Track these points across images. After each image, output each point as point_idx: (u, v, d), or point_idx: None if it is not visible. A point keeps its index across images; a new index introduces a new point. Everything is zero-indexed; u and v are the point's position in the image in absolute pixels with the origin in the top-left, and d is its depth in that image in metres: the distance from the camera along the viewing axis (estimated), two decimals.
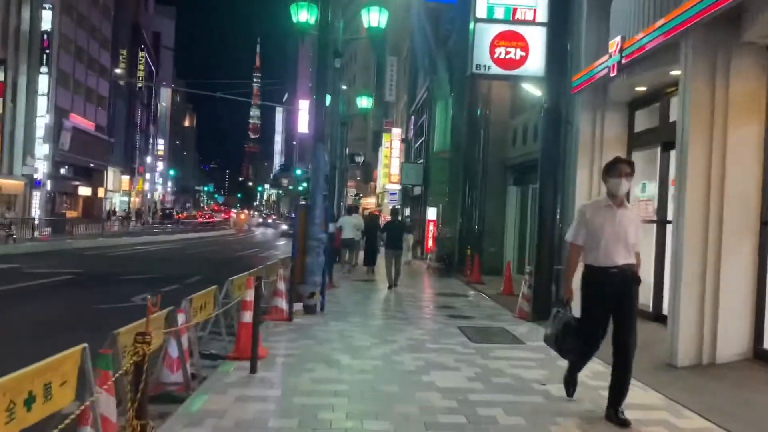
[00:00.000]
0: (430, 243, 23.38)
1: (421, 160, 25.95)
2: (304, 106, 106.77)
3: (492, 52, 9.32)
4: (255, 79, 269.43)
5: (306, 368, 6.03)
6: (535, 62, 9.41)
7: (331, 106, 12.32)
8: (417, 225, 22.13)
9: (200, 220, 69.15)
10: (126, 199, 74.83)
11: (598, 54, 8.67)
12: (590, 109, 9.02)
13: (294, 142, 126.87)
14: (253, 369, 5.75)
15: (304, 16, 12.58)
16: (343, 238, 16.20)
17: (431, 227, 23.36)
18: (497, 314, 10.17)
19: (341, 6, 12.74)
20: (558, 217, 9.60)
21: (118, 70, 56.46)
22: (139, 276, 14.95)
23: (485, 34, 9.34)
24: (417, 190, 27.97)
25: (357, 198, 53.17)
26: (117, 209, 68.65)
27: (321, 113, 9.96)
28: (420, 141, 28.18)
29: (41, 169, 44.29)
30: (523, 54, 9.32)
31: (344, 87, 56.09)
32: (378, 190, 46.45)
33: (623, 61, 7.45)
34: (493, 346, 7.43)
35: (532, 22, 9.46)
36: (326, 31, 10.97)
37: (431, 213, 23.50)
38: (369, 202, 49.44)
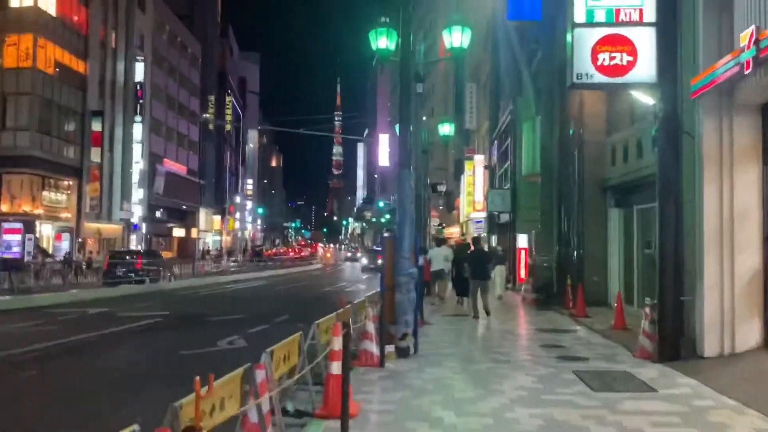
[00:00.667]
0: (523, 273, 22.12)
1: (508, 186, 24.83)
2: (383, 140, 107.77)
3: (594, 59, 8.33)
4: (336, 117, 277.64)
5: (405, 429, 5.20)
6: (645, 67, 8.32)
7: (414, 133, 11.64)
8: (507, 255, 20.82)
9: (292, 254, 70.26)
10: (218, 238, 77.31)
11: (721, 52, 7.54)
12: (714, 115, 7.84)
13: (375, 175, 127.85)
14: (344, 431, 4.99)
15: (383, 42, 12.05)
16: (432, 271, 15.87)
17: (523, 256, 22.12)
18: (614, 354, 8.95)
19: (421, 29, 12.01)
20: (681, 240, 8.38)
21: (206, 115, 58.55)
22: (226, 317, 14.67)
23: (585, 40, 8.38)
24: (504, 217, 26.77)
25: (440, 228, 52.20)
26: (210, 248, 70.91)
27: (405, 139, 9.26)
28: (505, 166, 27.08)
29: (137, 212, 46.28)
30: (630, 59, 8.28)
31: (423, 118, 55.85)
32: (462, 219, 45.34)
33: (760, 55, 6.31)
34: (620, 396, 6.33)
35: (639, 23, 8.41)
36: (407, 56, 10.37)
37: (522, 241, 22.27)
38: (452, 232, 48.33)
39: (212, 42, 73.68)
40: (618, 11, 8.42)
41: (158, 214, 54.75)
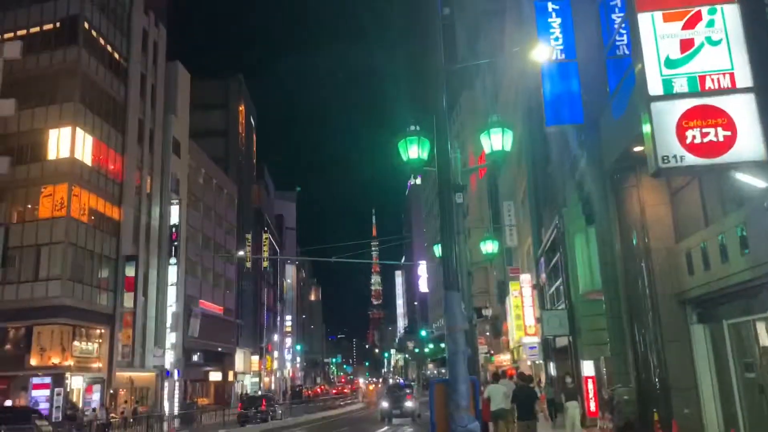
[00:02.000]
0: (593, 406, 19.28)
1: (562, 306, 22.55)
2: (422, 266, 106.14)
3: (682, 138, 6.71)
4: (373, 247, 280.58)
5: None
6: (748, 141, 6.66)
7: (458, 248, 9.93)
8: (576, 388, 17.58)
9: (335, 392, 66.79)
10: (256, 380, 74.38)
11: None
12: None
13: (415, 303, 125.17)
14: None
15: (414, 152, 10.74)
16: (492, 411, 14.49)
17: (591, 386, 19.38)
18: None
19: (457, 138, 10.64)
20: None
21: (241, 252, 58.27)
22: None
23: (667, 115, 6.81)
24: (562, 341, 24.19)
25: (489, 356, 48.88)
26: (249, 391, 67.92)
27: (449, 255, 7.50)
28: (556, 284, 24.94)
29: (169, 358, 44.52)
30: (728, 133, 6.65)
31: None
32: (512, 345, 42.28)
33: None
34: None
35: (732, 90, 6.87)
36: (445, 164, 8.91)
37: (587, 368, 19.64)
38: (502, 360, 45.07)
39: (248, 182, 75.43)
40: (703, 78, 6.90)
41: (194, 358, 52.90)
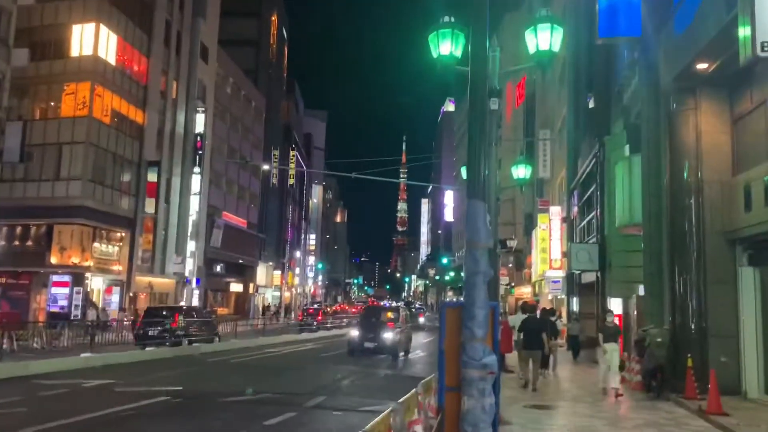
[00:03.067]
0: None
1: (594, 240, 21.29)
2: (448, 196, 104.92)
3: None
4: (402, 174, 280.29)
5: None
6: None
7: (488, 159, 8.64)
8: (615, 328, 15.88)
9: (354, 311, 67.11)
10: (278, 293, 75.38)
11: None
12: None
13: (439, 231, 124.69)
14: None
15: (446, 48, 9.31)
16: (515, 340, 14.18)
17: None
18: None
19: (496, 31, 9.10)
20: None
21: (266, 166, 57.54)
22: (246, 397, 11.73)
23: None
24: (588, 277, 23.10)
25: (509, 287, 48.24)
26: (270, 304, 68.89)
27: (477, 163, 6.21)
28: (588, 218, 23.59)
29: (189, 266, 44.69)
30: None
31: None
32: (534, 278, 41.43)
33: None
34: None
35: None
36: (478, 59, 7.52)
37: (615, 306, 18.58)
38: (523, 292, 44.37)
39: (277, 97, 73.80)
40: None
41: (217, 268, 53.23)
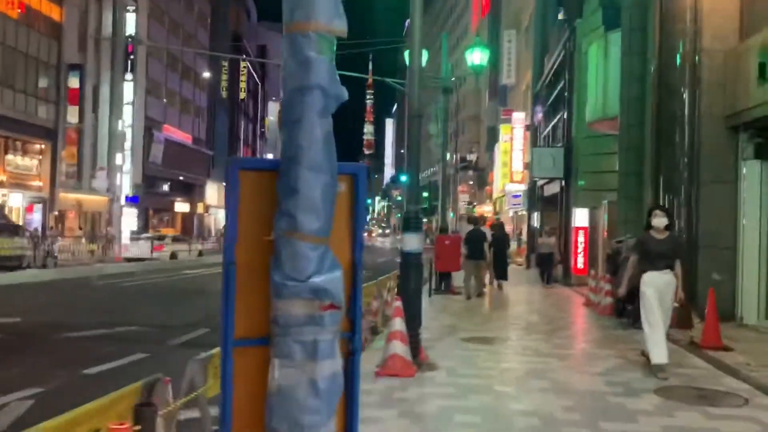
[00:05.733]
0: (581, 262, 16.00)
1: (561, 144, 18.61)
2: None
3: None
4: (368, 96, 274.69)
5: None
6: None
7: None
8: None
9: None
10: None
11: None
12: None
13: (402, 151, 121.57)
14: None
15: None
16: (465, 253, 13.64)
17: (582, 238, 15.97)
18: None
19: None
20: None
21: (205, 74, 53.10)
22: (104, 330, 8.93)
23: None
24: (551, 189, 20.60)
25: (470, 207, 46.04)
26: (222, 226, 65.92)
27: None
28: (555, 120, 20.82)
29: (126, 184, 41.10)
30: None
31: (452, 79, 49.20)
32: (495, 195, 39.15)
33: None
34: None
35: None
36: None
37: (580, 217, 16.14)
38: (484, 210, 42.13)
39: (225, 2, 67.96)
40: None
41: (162, 186, 49.66)
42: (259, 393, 2.37)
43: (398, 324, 5.91)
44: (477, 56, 14.49)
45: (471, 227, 14.87)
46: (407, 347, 5.90)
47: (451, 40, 54.79)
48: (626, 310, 9.53)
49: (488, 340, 7.98)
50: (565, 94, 18.40)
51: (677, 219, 9.57)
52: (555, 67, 20.20)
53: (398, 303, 6.04)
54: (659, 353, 6.16)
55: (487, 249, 13.45)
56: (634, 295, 9.13)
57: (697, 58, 9.68)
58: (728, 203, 9.48)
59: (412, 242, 6.16)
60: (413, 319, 6.15)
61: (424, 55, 14.41)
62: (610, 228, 12.97)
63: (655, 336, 6.24)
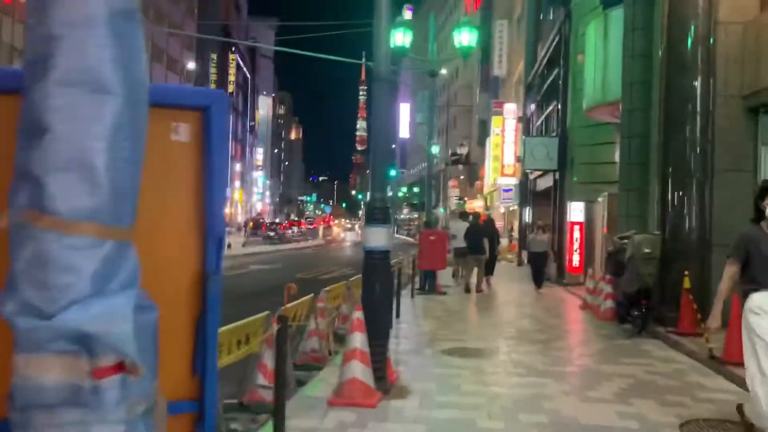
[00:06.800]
0: (576, 260, 14.90)
1: (555, 134, 17.47)
2: (404, 109, 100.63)
3: None
4: (361, 92, 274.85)
5: None
6: None
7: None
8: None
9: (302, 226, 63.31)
10: None
11: None
12: None
13: (393, 146, 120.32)
14: None
15: None
16: (456, 248, 14.12)
17: (577, 234, 14.86)
18: None
19: None
20: None
21: (190, 65, 51.72)
22: None
23: None
24: (544, 183, 19.50)
25: (460, 202, 44.91)
26: None
27: None
28: (548, 110, 19.68)
29: None
30: None
31: (444, 72, 47.91)
32: (486, 191, 38.03)
33: None
34: None
35: None
36: None
37: (576, 212, 15.03)
38: (474, 206, 41.01)
39: None
40: None
41: None
42: None
43: (358, 340, 4.75)
44: (465, 37, 13.29)
45: (461, 222, 14.79)
46: (369, 368, 4.74)
47: (440, 37, 53.56)
48: (630, 315, 8.40)
49: (473, 353, 6.82)
50: (560, 81, 17.28)
51: (687, 214, 8.47)
52: (549, 53, 19.07)
53: (358, 313, 4.86)
54: None
55: (487, 245, 13.39)
56: (640, 297, 8.03)
57: (712, 31, 8.56)
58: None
59: (377, 237, 4.97)
60: (379, 333, 4.98)
61: (409, 36, 13.22)
62: (610, 223, 11.84)
63: None
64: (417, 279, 13.17)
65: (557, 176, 16.97)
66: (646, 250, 7.88)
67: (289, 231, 53.30)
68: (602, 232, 12.87)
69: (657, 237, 8.32)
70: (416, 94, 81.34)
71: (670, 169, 8.94)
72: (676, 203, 8.65)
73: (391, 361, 5.52)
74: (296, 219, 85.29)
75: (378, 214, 4.98)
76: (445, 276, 14.17)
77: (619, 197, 10.58)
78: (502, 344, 7.53)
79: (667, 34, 9.38)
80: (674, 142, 9.02)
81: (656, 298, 8.34)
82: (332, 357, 6.31)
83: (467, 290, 13.00)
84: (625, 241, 8.51)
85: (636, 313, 8.05)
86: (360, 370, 4.67)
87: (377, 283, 4.97)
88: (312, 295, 6.34)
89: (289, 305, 5.54)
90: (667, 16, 9.31)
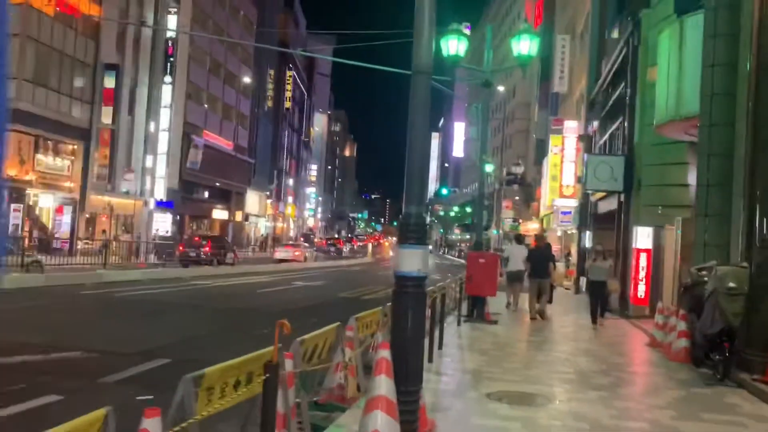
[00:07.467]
0: (642, 290, 13.62)
1: (620, 153, 16.26)
2: (459, 128, 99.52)
3: None
4: None
5: None
6: None
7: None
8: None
9: (340, 246, 62.58)
10: (271, 224, 71.10)
11: None
12: None
13: (446, 165, 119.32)
14: None
15: None
16: (509, 272, 13.85)
17: (644, 262, 13.60)
18: None
19: None
20: None
21: (246, 79, 52.18)
22: (38, 355, 7.17)
23: None
24: (607, 206, 18.24)
25: (515, 224, 43.50)
26: (262, 234, 64.95)
27: None
28: (612, 128, 18.45)
29: (160, 188, 40.23)
30: None
31: (501, 89, 46.80)
32: (542, 213, 36.59)
33: None
34: None
35: None
36: None
37: (642, 238, 13.78)
38: (529, 229, 39.57)
39: (273, 10, 67.48)
40: None
41: (200, 193, 48.79)
42: None
43: (384, 386, 3.89)
44: (525, 45, 12.40)
45: (515, 246, 14.50)
46: (396, 422, 3.87)
47: (499, 52, 52.50)
48: (710, 359, 7.25)
49: (525, 399, 5.86)
50: (626, 97, 16.11)
51: None
52: (615, 67, 17.91)
53: (384, 352, 4.00)
54: None
55: (552, 268, 13.27)
56: (723, 339, 6.90)
57: None
58: None
59: (411, 260, 4.12)
60: (409, 377, 4.12)
61: (464, 44, 12.36)
62: (684, 252, 10.64)
63: None
64: (465, 304, 12.21)
65: (622, 198, 15.75)
66: (732, 285, 6.77)
67: (344, 248, 53.90)
68: (677, 261, 11.62)
69: (744, 270, 7.16)
70: (470, 109, 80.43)
71: (758, 193, 7.77)
72: (766, 231, 7.48)
73: (426, 407, 4.64)
74: (350, 236, 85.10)
75: (413, 233, 4.13)
76: (496, 302, 13.16)
77: (696, 223, 9.40)
78: (559, 388, 6.53)
79: (756, 40, 8.26)
80: (763, 161, 7.86)
81: (742, 339, 7.17)
82: (362, 394, 5.47)
83: (540, 317, 12.44)
84: (705, 273, 7.39)
85: (718, 357, 6.91)
86: (385, 424, 3.81)
87: (410, 317, 4.12)
88: (338, 324, 5.51)
89: (308, 336, 4.74)
90: (758, 19, 8.20)
